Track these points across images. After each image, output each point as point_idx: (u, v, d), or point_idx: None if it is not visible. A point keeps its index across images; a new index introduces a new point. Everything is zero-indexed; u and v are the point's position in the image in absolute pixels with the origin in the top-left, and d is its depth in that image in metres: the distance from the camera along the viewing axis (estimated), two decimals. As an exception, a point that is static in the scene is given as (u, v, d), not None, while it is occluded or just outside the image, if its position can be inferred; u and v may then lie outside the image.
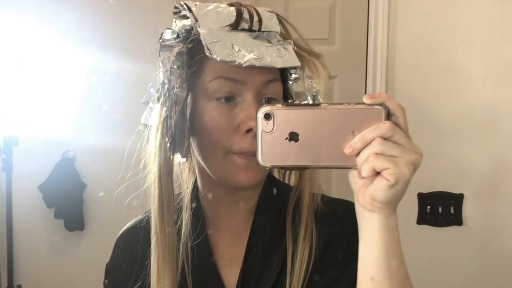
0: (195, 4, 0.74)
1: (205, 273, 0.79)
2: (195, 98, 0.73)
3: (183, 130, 0.72)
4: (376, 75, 2.20)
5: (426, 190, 2.22)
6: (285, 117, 0.59)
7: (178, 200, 0.81)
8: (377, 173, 0.57)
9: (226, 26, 0.72)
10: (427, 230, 2.24)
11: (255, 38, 0.73)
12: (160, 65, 0.73)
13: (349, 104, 0.58)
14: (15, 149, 2.18)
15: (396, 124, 0.57)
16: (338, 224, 0.80)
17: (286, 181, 0.86)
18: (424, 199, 2.23)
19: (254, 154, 0.68)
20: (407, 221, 2.22)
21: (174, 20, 0.76)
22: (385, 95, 0.57)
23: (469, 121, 2.18)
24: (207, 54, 0.69)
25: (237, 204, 0.81)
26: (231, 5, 0.76)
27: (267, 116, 0.59)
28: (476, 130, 2.18)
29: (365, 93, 1.93)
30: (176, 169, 0.80)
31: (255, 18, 0.73)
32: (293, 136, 0.59)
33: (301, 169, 0.68)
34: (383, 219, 0.59)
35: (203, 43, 0.69)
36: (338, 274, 0.77)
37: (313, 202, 0.80)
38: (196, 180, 0.83)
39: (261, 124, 0.60)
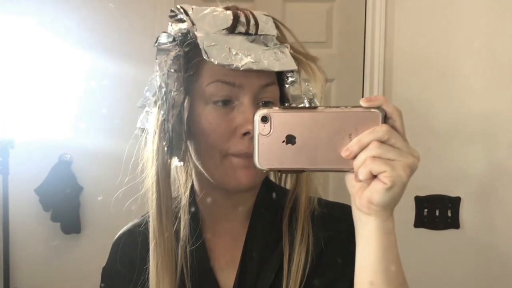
0: (192, 8, 0.74)
1: (202, 277, 0.79)
2: (192, 101, 0.73)
3: (180, 134, 0.72)
4: (373, 79, 2.21)
5: (423, 193, 2.22)
6: (282, 120, 0.59)
7: (176, 204, 0.81)
8: (374, 176, 0.57)
9: (223, 29, 0.72)
10: (424, 233, 2.25)
11: (252, 41, 0.73)
12: (157, 68, 0.73)
13: (346, 107, 0.58)
14: (11, 151, 2.17)
15: (393, 127, 0.57)
16: (334, 227, 0.80)
17: (282, 185, 0.86)
18: (421, 202, 2.23)
19: (251, 156, 0.68)
20: (404, 224, 2.22)
21: (170, 23, 0.76)
22: (382, 98, 0.57)
23: (466, 125, 2.19)
24: (204, 57, 0.69)
25: (234, 207, 0.81)
26: (227, 8, 0.76)
27: (264, 119, 0.59)
28: (473, 134, 2.19)
29: (362, 97, 1.93)
30: (173, 172, 0.80)
31: (252, 22, 0.74)
32: (290, 139, 0.59)
33: (298, 172, 0.68)
34: (380, 222, 0.59)
35: (200, 46, 0.69)
36: (335, 278, 0.77)
37: (309, 205, 0.80)
38: (193, 184, 0.83)
39: (258, 127, 0.59)
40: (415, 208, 2.24)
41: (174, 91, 0.71)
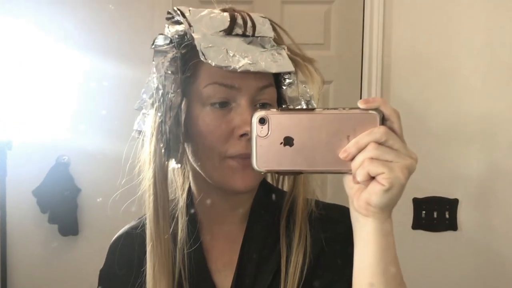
0: (189, 10, 0.74)
1: (200, 279, 0.79)
2: (189, 103, 0.73)
3: (177, 136, 0.72)
4: (371, 80, 2.21)
5: (421, 195, 2.22)
6: (280, 121, 0.59)
7: (173, 206, 0.81)
8: (372, 178, 0.57)
9: (220, 31, 0.72)
10: (422, 235, 2.25)
11: (249, 43, 0.73)
12: (154, 70, 0.73)
13: (344, 108, 0.58)
14: (9, 153, 2.17)
15: (391, 129, 0.57)
16: (332, 229, 0.80)
17: (280, 186, 0.86)
18: (419, 204, 2.23)
19: (247, 156, 0.68)
20: (402, 226, 2.22)
21: (167, 25, 0.76)
22: (380, 100, 0.57)
23: (464, 126, 2.19)
24: (201, 59, 0.69)
25: (232, 209, 0.81)
26: (224, 10, 0.76)
27: (262, 121, 0.59)
28: (471, 136, 2.19)
29: (360, 98, 1.93)
30: (170, 175, 0.80)
31: (249, 24, 0.74)
32: (288, 141, 0.59)
33: (296, 174, 0.68)
34: (378, 223, 0.59)
35: (198, 48, 0.69)
36: (333, 279, 0.77)
37: (307, 207, 0.80)
38: (190, 186, 0.83)
39: (256, 128, 0.59)
40: (413, 210, 2.24)
41: (171, 93, 0.71)
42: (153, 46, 0.74)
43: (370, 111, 0.57)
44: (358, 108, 0.58)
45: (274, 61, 0.72)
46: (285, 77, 0.77)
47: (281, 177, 0.85)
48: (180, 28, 0.74)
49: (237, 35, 0.73)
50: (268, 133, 0.59)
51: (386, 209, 0.58)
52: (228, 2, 0.80)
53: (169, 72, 0.71)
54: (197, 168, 0.76)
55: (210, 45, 0.70)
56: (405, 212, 2.22)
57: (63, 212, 2.29)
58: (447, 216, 2.22)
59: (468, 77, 2.18)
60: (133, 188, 0.79)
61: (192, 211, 0.81)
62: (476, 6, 2.16)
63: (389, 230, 0.60)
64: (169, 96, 0.70)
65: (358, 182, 0.58)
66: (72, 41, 2.21)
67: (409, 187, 0.58)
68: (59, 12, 2.22)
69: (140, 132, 0.78)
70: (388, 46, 2.21)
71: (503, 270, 2.21)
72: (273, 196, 0.83)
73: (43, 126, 2.22)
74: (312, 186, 0.81)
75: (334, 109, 0.58)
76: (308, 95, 0.79)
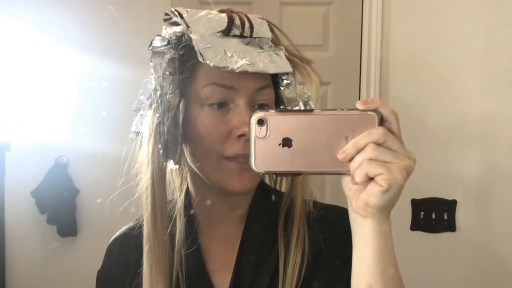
0: (186, 11, 0.74)
1: (198, 280, 0.79)
2: (187, 104, 0.74)
3: (175, 137, 0.72)
4: (370, 82, 2.21)
5: (419, 196, 2.22)
6: (279, 122, 0.59)
7: (171, 207, 0.81)
8: (371, 179, 0.57)
9: (218, 32, 0.72)
10: (421, 236, 2.25)
11: (247, 44, 0.74)
12: (152, 71, 0.73)
13: (342, 109, 0.58)
14: (7, 154, 2.16)
15: (389, 130, 0.57)
16: (330, 230, 0.80)
17: (277, 187, 0.86)
18: (417, 205, 2.23)
19: (245, 157, 0.68)
20: (401, 227, 2.22)
21: (164, 27, 0.76)
22: (378, 101, 0.58)
23: (462, 128, 2.19)
24: (200, 59, 0.69)
25: (230, 210, 0.81)
26: (222, 11, 0.76)
27: (260, 122, 0.59)
28: (469, 137, 2.19)
29: (359, 99, 1.94)
30: (168, 176, 0.80)
31: (247, 25, 0.74)
32: (287, 142, 0.59)
33: (294, 175, 0.68)
34: (377, 224, 0.59)
35: (196, 48, 0.70)
36: (332, 280, 0.77)
37: (305, 207, 0.80)
38: (188, 187, 0.83)
39: (254, 129, 0.59)
40: (412, 211, 2.24)
41: (170, 94, 0.71)
42: (151, 48, 0.74)
43: (369, 112, 0.57)
44: (357, 109, 0.58)
45: (272, 62, 0.73)
46: (283, 78, 0.77)
47: (279, 178, 0.85)
48: (177, 29, 0.74)
49: (235, 36, 0.73)
50: (266, 134, 0.59)
51: (385, 210, 0.58)
52: (227, 4, 0.80)
53: (167, 73, 0.71)
54: (195, 169, 0.76)
55: (208, 46, 0.70)
56: (403, 213, 2.22)
57: (62, 213, 2.29)
58: (445, 217, 2.22)
59: (467, 78, 2.18)
60: (132, 189, 0.79)
61: (190, 212, 0.81)
62: (474, 8, 2.16)
63: (388, 231, 0.60)
64: (167, 97, 0.71)
65: (356, 183, 0.58)
66: (71, 41, 2.21)
67: (408, 188, 0.58)
68: (59, 13, 2.22)
69: (137, 133, 0.78)
70: (387, 47, 2.21)
71: (502, 271, 2.21)
72: (271, 197, 0.83)
73: (42, 127, 2.22)
74: (310, 187, 0.81)
75: (333, 110, 0.58)
76: (306, 96, 0.79)
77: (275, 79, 0.77)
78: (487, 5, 2.16)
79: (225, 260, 0.80)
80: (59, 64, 2.22)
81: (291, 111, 0.68)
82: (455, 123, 2.19)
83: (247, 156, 0.61)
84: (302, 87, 0.79)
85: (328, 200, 0.85)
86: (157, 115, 0.71)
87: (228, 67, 0.69)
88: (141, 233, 0.76)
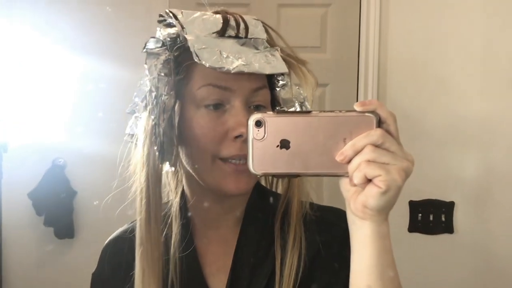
0: (181, 12, 0.74)
1: (193, 283, 0.79)
2: (183, 105, 0.73)
3: (171, 138, 0.72)
4: (367, 83, 2.21)
5: (417, 198, 2.22)
6: (276, 124, 0.59)
7: (166, 210, 0.80)
8: (369, 181, 0.56)
9: (213, 33, 0.72)
10: (418, 238, 2.25)
11: (242, 45, 0.73)
12: (147, 73, 0.72)
13: (340, 111, 0.58)
14: (4, 155, 2.16)
15: (387, 131, 0.57)
16: (327, 231, 0.80)
17: (273, 189, 0.86)
18: (415, 207, 2.23)
19: (241, 158, 0.68)
20: (399, 228, 2.22)
21: (158, 28, 0.76)
22: (376, 103, 0.57)
23: (460, 129, 2.19)
24: (195, 60, 0.69)
25: (225, 212, 0.81)
26: (217, 12, 0.76)
27: (258, 124, 0.59)
28: (467, 138, 2.19)
29: (357, 101, 1.94)
30: (163, 178, 0.79)
31: (242, 25, 0.74)
32: (284, 144, 0.59)
33: (292, 176, 0.68)
34: (375, 226, 0.59)
35: (191, 49, 0.69)
36: (329, 282, 0.77)
37: (301, 209, 0.80)
38: (183, 190, 0.82)
39: (252, 131, 0.59)
40: (409, 213, 2.24)
41: (165, 95, 0.70)
42: (145, 50, 0.74)
43: (367, 114, 0.57)
44: (355, 110, 0.58)
45: (268, 63, 0.73)
46: (279, 78, 0.77)
47: (275, 179, 0.85)
48: (172, 31, 0.74)
49: (230, 36, 0.73)
50: (264, 136, 0.59)
51: (383, 212, 0.58)
52: (224, 5, 0.80)
53: (162, 74, 0.71)
54: (191, 171, 0.76)
55: (203, 47, 0.70)
56: (401, 215, 2.22)
57: (59, 215, 2.29)
58: (443, 219, 2.23)
59: (464, 80, 2.19)
60: (130, 191, 0.79)
61: (186, 214, 0.81)
62: (473, 10, 2.16)
63: (386, 232, 0.60)
64: (162, 98, 0.70)
65: (354, 185, 0.58)
66: (68, 42, 2.20)
67: (405, 189, 0.58)
68: (56, 14, 2.22)
69: (132, 135, 0.78)
70: (385, 49, 2.21)
71: (499, 272, 2.21)
72: (268, 198, 0.83)
73: (39, 128, 2.22)
74: (306, 188, 0.81)
75: (331, 111, 0.58)
76: (301, 96, 0.79)
77: (270, 80, 0.77)
78: (485, 7, 2.16)
79: (221, 262, 0.80)
80: (56, 66, 2.21)
81: (289, 112, 0.68)
82: (453, 125, 2.19)
83: (243, 157, 0.61)
84: (298, 88, 0.79)
85: (326, 202, 0.85)
86: (153, 116, 0.70)
87: (224, 67, 0.69)
88: (134, 236, 0.76)
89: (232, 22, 0.73)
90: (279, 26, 2.21)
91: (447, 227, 2.23)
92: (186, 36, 0.71)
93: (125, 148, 0.78)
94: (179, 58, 0.73)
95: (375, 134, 0.56)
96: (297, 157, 0.59)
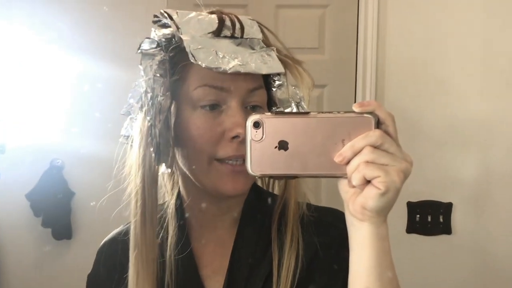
0: (176, 12, 0.74)
1: (190, 285, 0.78)
2: (179, 106, 0.73)
3: (167, 139, 0.71)
4: (365, 84, 2.21)
5: (415, 199, 2.22)
6: (275, 125, 0.59)
7: (162, 212, 0.80)
8: (368, 182, 0.56)
9: (209, 33, 0.72)
10: (416, 239, 2.25)
11: (238, 45, 0.73)
12: (142, 74, 0.72)
13: (338, 112, 0.58)
14: (2, 156, 2.15)
15: (386, 132, 0.57)
16: (325, 233, 0.79)
17: (270, 190, 0.85)
18: (413, 208, 2.23)
19: (238, 159, 0.68)
20: (397, 230, 2.22)
21: (153, 29, 0.76)
22: (375, 104, 0.57)
23: (458, 130, 2.20)
24: (191, 60, 0.68)
25: (222, 213, 0.80)
26: (212, 13, 0.75)
27: (256, 125, 0.59)
28: (465, 139, 2.20)
29: (355, 102, 1.94)
30: (159, 180, 0.79)
31: (237, 25, 0.73)
32: (283, 145, 0.59)
33: (290, 178, 0.67)
34: (374, 228, 0.58)
35: (187, 49, 0.69)
36: (327, 283, 0.76)
37: (298, 210, 0.79)
38: (179, 191, 0.82)
39: (250, 132, 0.59)
40: (407, 214, 2.24)
41: (161, 96, 0.70)
42: (140, 51, 0.73)
43: (365, 115, 0.57)
44: (353, 111, 0.57)
45: (264, 63, 0.72)
46: (275, 79, 0.77)
47: (271, 180, 0.85)
48: (167, 31, 0.73)
49: (225, 37, 0.73)
50: (262, 137, 0.59)
51: (382, 213, 0.58)
52: (222, 6, 0.79)
53: (158, 75, 0.70)
54: (187, 173, 0.75)
55: (199, 47, 0.69)
56: (399, 216, 2.22)
57: (57, 215, 2.28)
58: (441, 220, 2.23)
59: (463, 81, 2.19)
60: (126, 192, 0.78)
61: (182, 216, 0.80)
62: (471, 10, 2.17)
63: (385, 234, 0.59)
64: (158, 99, 0.70)
65: (353, 186, 0.58)
66: (65, 43, 2.20)
67: (403, 191, 0.57)
68: (53, 14, 2.21)
69: (127, 137, 0.78)
70: (383, 50, 2.21)
71: (497, 273, 2.21)
72: (264, 199, 0.82)
73: (36, 129, 2.21)
74: (303, 189, 0.81)
75: (329, 112, 0.58)
76: (298, 96, 0.78)
77: (267, 80, 0.77)
78: (485, 7, 2.16)
79: (218, 264, 0.79)
80: (53, 66, 2.21)
81: (287, 113, 0.68)
82: (451, 126, 2.19)
83: (240, 158, 0.61)
84: (294, 88, 0.78)
85: (324, 203, 0.85)
86: (148, 117, 0.70)
87: (220, 67, 0.68)
88: (129, 238, 0.75)
89: (228, 22, 0.73)
90: (277, 27, 2.21)
91: (445, 228, 2.23)
92: (181, 36, 0.70)
93: (124, 149, 0.78)
94: (174, 59, 0.72)
95: (374, 135, 0.55)
96: (295, 158, 0.58)
